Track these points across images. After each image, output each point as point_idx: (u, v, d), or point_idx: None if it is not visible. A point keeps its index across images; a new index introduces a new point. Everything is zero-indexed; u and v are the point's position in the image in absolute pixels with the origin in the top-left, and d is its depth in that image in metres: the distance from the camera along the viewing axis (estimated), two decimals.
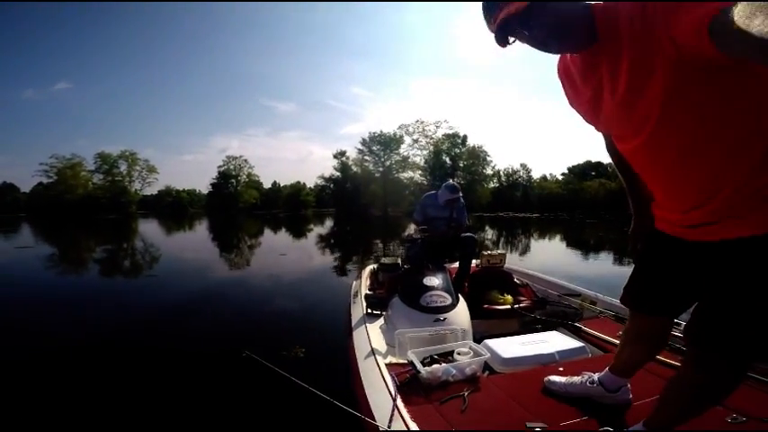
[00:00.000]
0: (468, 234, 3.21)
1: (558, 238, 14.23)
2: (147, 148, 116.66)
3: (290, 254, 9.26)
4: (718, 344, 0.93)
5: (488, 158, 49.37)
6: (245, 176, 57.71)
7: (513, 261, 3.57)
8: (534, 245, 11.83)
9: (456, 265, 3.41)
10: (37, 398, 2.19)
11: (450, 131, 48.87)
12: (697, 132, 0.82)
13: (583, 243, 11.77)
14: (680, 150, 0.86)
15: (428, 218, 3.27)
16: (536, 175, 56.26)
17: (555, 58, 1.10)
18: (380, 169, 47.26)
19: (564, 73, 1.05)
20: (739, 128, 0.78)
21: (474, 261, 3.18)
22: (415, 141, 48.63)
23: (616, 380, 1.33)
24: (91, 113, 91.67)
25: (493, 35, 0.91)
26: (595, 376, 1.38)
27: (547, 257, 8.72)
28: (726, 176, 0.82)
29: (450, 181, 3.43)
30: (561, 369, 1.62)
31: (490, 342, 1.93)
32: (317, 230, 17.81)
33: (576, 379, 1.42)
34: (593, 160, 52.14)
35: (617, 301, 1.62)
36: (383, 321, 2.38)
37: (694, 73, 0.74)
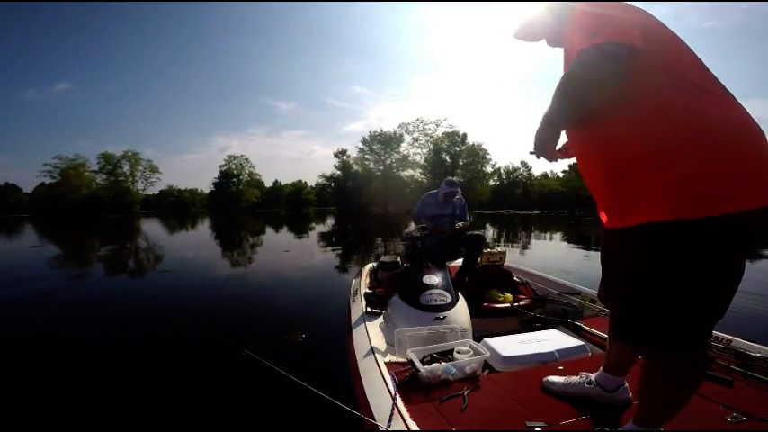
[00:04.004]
0: (477, 233, 3.25)
1: (558, 235, 14.19)
2: (149, 148, 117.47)
3: (291, 251, 9.27)
4: (638, 335, 0.99)
5: (488, 156, 49.35)
6: (246, 175, 57.94)
7: (514, 257, 3.55)
8: (535, 242, 11.80)
9: (456, 263, 3.41)
10: (36, 395, 2.21)
11: (450, 130, 48.86)
12: (593, 136, 1.02)
13: (582, 240, 11.75)
14: (581, 151, 1.08)
15: (430, 215, 3.32)
16: (536, 172, 56.24)
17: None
18: (381, 168, 47.24)
19: None
20: (619, 134, 0.94)
21: None
22: (415, 140, 48.64)
23: (612, 379, 1.33)
24: (92, 114, 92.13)
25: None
26: (593, 377, 1.38)
27: (547, 254, 8.71)
28: (613, 171, 0.98)
29: (450, 177, 3.49)
30: (561, 368, 1.62)
31: (490, 340, 1.93)
32: (319, 229, 17.80)
33: (575, 379, 1.41)
34: None
35: None
36: (383, 320, 2.38)
37: None
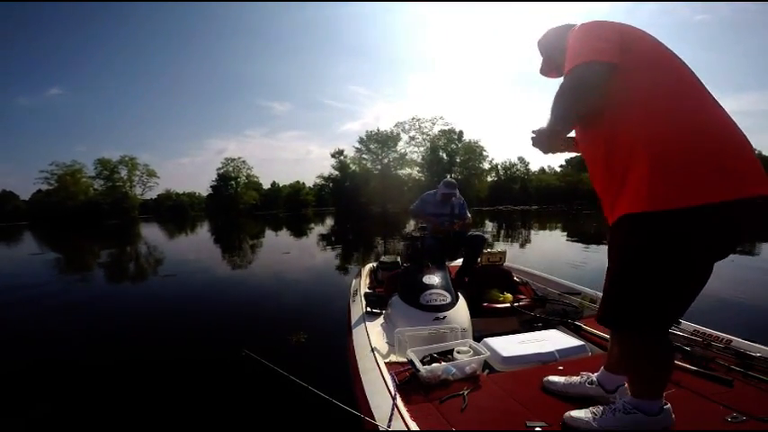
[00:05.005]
0: (477, 233, 3.26)
1: (557, 229, 14.22)
2: (145, 152, 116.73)
3: (291, 253, 9.28)
4: (610, 319, 1.11)
5: (485, 153, 49.43)
6: (244, 178, 57.80)
7: (513, 252, 3.54)
8: (534, 236, 11.83)
9: (456, 263, 3.42)
10: (39, 396, 2.21)
11: (446, 128, 48.94)
12: (589, 136, 1.15)
13: (581, 232, 11.80)
14: (585, 149, 1.20)
15: (429, 214, 3.34)
16: (534, 167, 56.29)
17: None
18: (378, 167, 47.25)
19: None
20: (608, 133, 1.05)
21: None
22: (412, 138, 48.70)
23: (613, 378, 1.33)
24: (87, 119, 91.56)
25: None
26: (594, 376, 1.38)
27: (546, 248, 8.71)
28: (608, 166, 1.07)
29: (448, 177, 3.43)
30: (561, 368, 1.62)
31: (490, 341, 1.93)
32: (318, 229, 17.80)
33: (575, 379, 1.41)
34: None
35: None
36: (383, 320, 2.38)
37: None
